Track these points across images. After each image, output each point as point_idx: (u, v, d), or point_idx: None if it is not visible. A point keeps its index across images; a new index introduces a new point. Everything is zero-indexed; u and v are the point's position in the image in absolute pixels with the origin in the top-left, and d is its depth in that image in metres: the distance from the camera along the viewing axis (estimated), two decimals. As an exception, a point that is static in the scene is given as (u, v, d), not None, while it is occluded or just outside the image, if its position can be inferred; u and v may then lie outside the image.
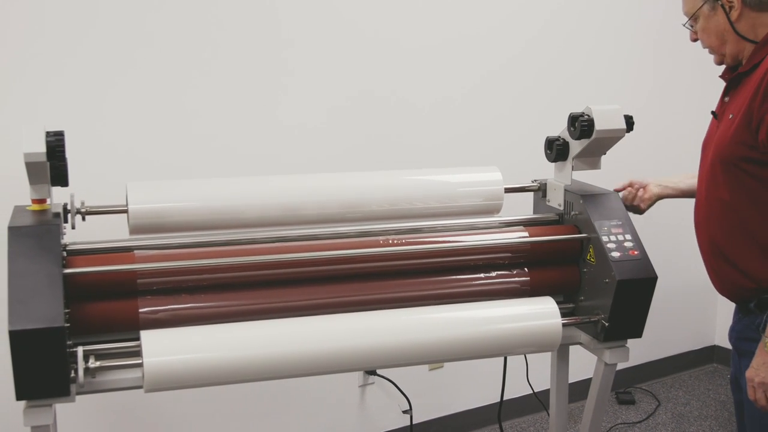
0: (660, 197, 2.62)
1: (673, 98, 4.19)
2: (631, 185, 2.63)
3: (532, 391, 3.47)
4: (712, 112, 2.33)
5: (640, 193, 2.60)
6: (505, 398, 3.12)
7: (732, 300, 2.33)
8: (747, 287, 2.22)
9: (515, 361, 3.08)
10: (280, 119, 3.12)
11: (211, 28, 2.93)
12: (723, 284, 2.31)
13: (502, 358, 2.88)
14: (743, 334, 2.28)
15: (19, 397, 1.90)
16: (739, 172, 2.15)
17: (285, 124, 3.12)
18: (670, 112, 4.18)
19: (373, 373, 3.45)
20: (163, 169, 2.88)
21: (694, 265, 4.43)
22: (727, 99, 2.28)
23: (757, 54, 2.17)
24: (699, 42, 2.30)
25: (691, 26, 2.29)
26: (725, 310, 4.51)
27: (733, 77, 2.25)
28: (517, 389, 3.53)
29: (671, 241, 4.27)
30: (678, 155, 4.22)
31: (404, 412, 3.52)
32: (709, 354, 4.73)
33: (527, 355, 3.18)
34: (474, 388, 3.71)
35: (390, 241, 2.35)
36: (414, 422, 3.55)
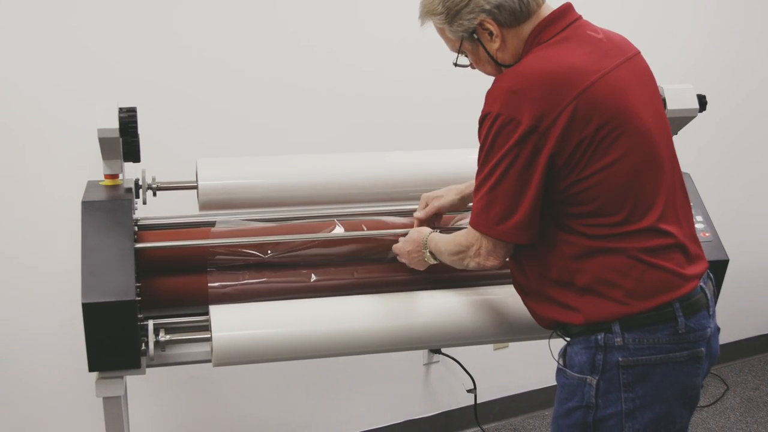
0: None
1: (748, 74, 4.09)
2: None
3: (597, 373, 3.44)
4: None
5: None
6: (570, 379, 3.09)
7: None
8: None
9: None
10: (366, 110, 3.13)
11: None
12: None
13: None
14: None
15: (91, 369, 1.94)
16: None
17: (357, 111, 3.12)
18: (742, 90, 4.08)
19: (438, 351, 3.45)
20: (234, 147, 2.90)
21: (766, 247, 4.39)
22: None
23: None
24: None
25: (466, 58, 1.93)
26: (798, 294, 4.43)
27: None
28: (582, 370, 3.50)
29: (743, 222, 4.18)
30: (756, 137, 4.13)
31: (468, 391, 3.52)
32: (780, 338, 4.64)
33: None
34: (539, 368, 3.67)
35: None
36: (478, 401, 3.55)
